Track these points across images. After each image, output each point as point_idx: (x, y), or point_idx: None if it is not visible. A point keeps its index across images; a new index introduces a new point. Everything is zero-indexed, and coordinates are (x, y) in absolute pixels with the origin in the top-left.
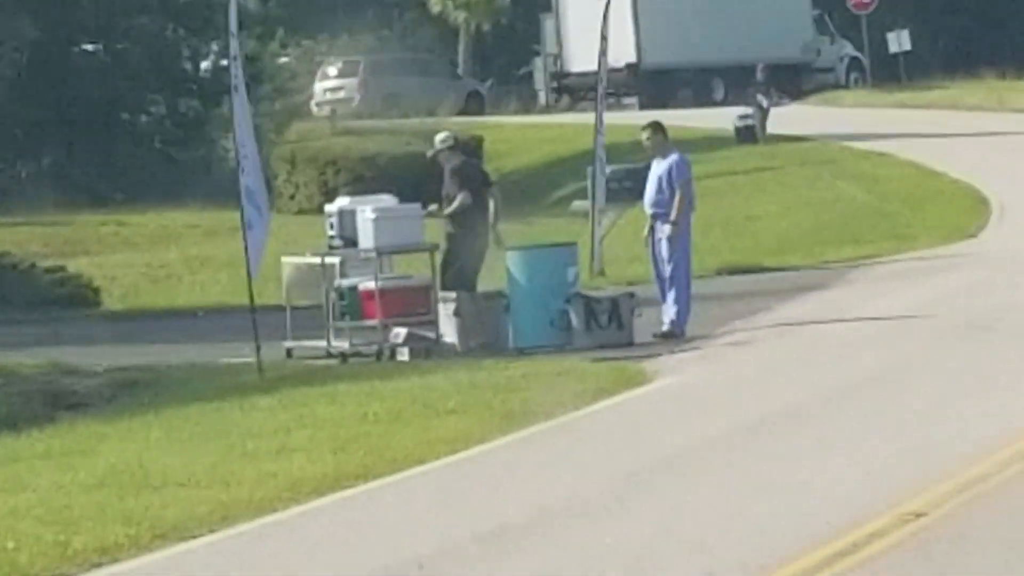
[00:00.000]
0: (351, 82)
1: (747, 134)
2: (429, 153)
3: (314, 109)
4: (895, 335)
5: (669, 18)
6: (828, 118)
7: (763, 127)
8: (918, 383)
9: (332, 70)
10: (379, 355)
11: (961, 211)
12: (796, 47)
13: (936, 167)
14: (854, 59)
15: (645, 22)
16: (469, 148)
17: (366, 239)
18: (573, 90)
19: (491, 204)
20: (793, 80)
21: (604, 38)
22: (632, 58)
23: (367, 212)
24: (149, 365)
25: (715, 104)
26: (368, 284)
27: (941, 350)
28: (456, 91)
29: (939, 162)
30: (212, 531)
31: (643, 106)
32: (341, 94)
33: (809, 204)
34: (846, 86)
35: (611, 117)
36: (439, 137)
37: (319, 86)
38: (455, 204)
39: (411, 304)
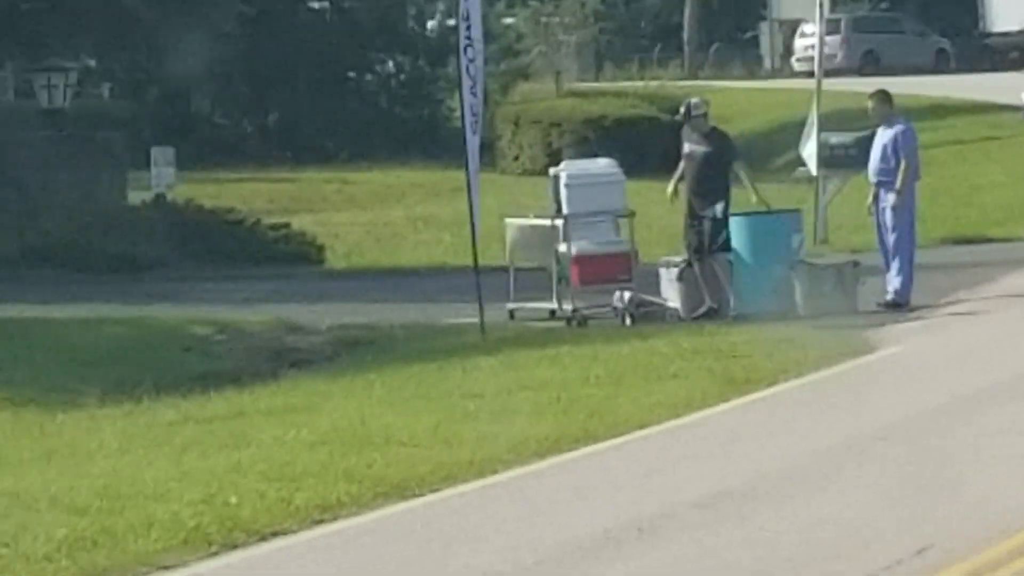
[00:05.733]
0: (833, 39)
1: None
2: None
3: (794, 65)
4: None
5: None
6: None
7: None
8: None
9: (809, 28)
10: (568, 321)
11: None
12: None
13: None
14: None
15: None
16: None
17: (565, 204)
18: (995, 50)
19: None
20: None
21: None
22: None
23: (562, 178)
24: (372, 324)
25: None
26: (574, 249)
27: None
28: (926, 48)
29: None
30: (434, 491)
31: None
32: (825, 50)
33: None
34: None
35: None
36: (695, 101)
37: (799, 43)
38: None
39: (609, 270)
